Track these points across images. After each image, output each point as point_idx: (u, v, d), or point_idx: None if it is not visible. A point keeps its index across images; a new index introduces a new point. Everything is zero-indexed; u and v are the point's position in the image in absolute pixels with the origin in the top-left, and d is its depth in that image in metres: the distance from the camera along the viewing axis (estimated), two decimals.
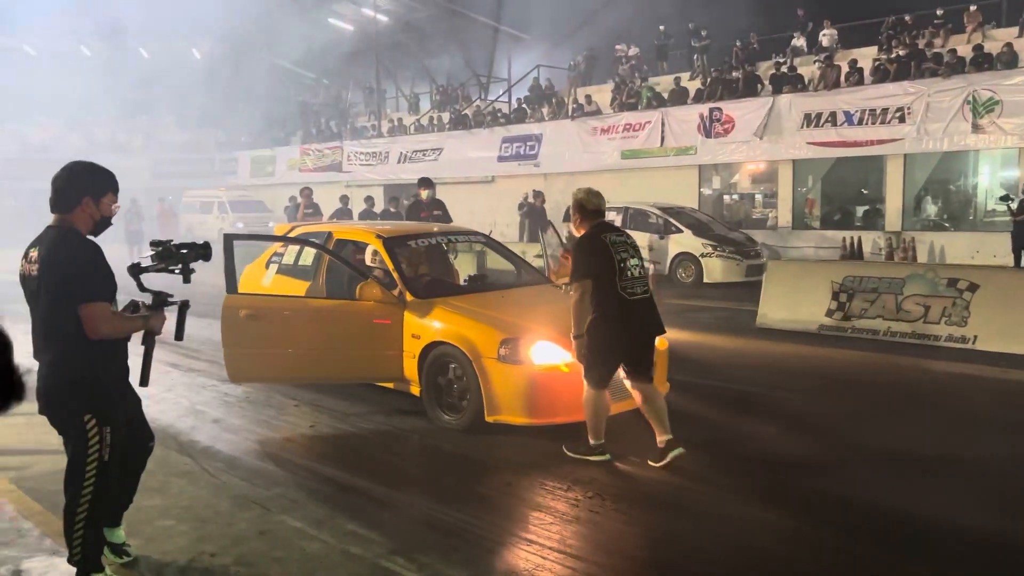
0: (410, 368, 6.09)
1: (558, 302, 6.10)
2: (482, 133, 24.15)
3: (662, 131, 19.47)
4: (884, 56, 17.48)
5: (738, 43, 21.26)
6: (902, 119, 15.84)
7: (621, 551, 3.97)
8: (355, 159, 27.87)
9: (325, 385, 6.98)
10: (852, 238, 16.08)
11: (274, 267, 7.87)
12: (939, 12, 18.36)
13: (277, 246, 7.98)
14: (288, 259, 7.82)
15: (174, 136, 35.47)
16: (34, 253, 3.32)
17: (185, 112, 36.03)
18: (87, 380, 3.33)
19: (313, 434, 5.96)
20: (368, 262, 6.97)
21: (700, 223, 15.71)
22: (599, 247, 4.96)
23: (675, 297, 12.72)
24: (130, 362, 3.57)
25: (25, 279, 3.35)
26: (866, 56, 18.18)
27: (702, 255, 14.55)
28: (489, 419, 5.58)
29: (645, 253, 13.74)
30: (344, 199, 17.05)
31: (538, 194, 19.80)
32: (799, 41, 20.46)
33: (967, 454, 5.33)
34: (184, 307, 3.64)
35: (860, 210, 17.97)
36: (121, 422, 3.50)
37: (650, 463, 5.01)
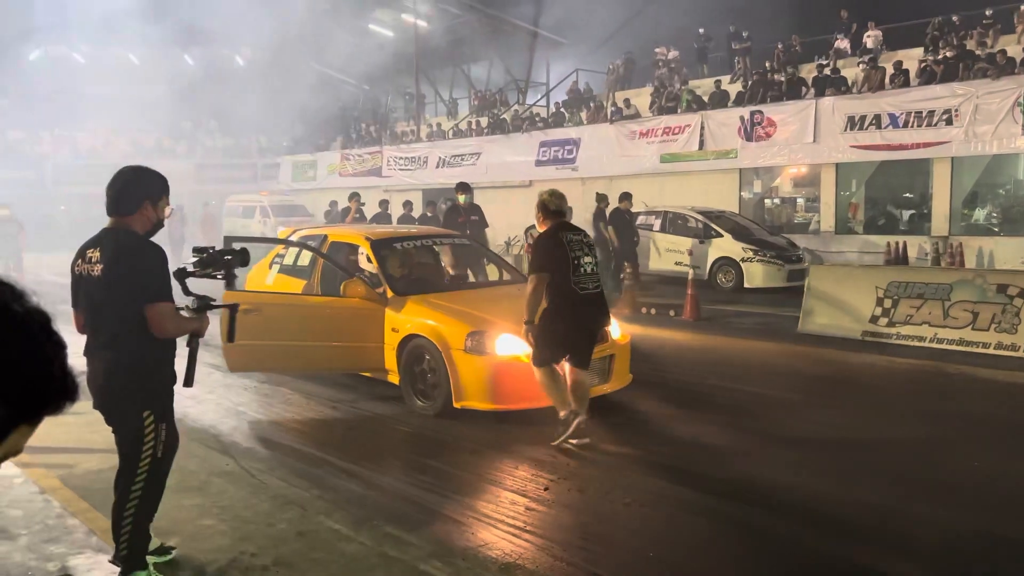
0: (390, 359, 6.64)
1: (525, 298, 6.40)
2: (520, 138, 24.16)
3: (701, 134, 19.28)
4: (931, 57, 17.11)
5: (780, 45, 21.00)
6: (949, 121, 15.47)
7: (597, 535, 3.95)
8: (394, 164, 28.07)
9: (320, 375, 7.57)
10: (897, 243, 15.73)
11: (276, 267, 8.56)
12: (988, 12, 17.92)
13: (279, 248, 8.61)
14: (288, 260, 8.53)
15: (217, 141, 36.12)
16: (93, 254, 3.41)
17: (228, 118, 36.70)
18: (148, 377, 3.45)
19: (351, 436, 6.01)
20: (363, 264, 7.49)
21: (740, 227, 15.51)
22: (556, 244, 5.40)
23: (715, 302, 12.59)
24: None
25: (82, 279, 3.43)
26: (912, 58, 17.81)
27: (743, 260, 14.36)
28: (457, 405, 6.08)
29: (684, 258, 13.81)
30: (383, 204, 17.20)
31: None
32: (842, 43, 20.12)
33: None
34: (234, 310, 3.80)
35: (905, 214, 17.60)
36: (173, 420, 3.60)
37: (570, 442, 5.46)
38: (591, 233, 14.14)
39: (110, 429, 3.61)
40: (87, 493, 4.70)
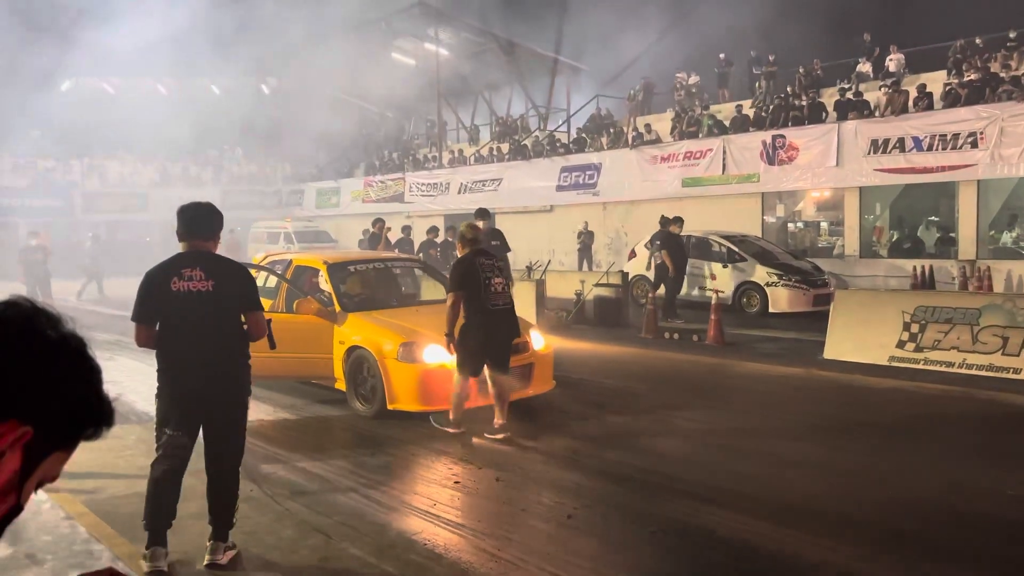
0: (337, 368, 7.47)
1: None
2: (541, 163, 24.27)
3: (724, 159, 19.27)
4: (955, 80, 17.01)
5: (801, 69, 20.99)
6: (974, 144, 15.33)
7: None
8: (417, 190, 28.29)
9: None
10: (923, 267, 15.55)
11: None
12: (1012, 34, 17.82)
13: (252, 272, 9.18)
14: (259, 282, 8.93)
15: (243, 168, 36.62)
16: (196, 272, 3.94)
17: (253, 145, 37.22)
18: (249, 372, 4.17)
19: (376, 463, 6.00)
20: (322, 284, 8.32)
21: (764, 252, 15.42)
22: (469, 268, 6.30)
23: (739, 327, 12.48)
24: None
25: (186, 295, 3.92)
26: (935, 81, 17.71)
27: (767, 284, 14.24)
28: (390, 407, 6.87)
29: (708, 283, 13.75)
30: (406, 229, 17.30)
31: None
32: (864, 67, 20.08)
33: None
34: (268, 323, 4.32)
35: (931, 238, 17.42)
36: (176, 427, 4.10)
37: (486, 436, 6.35)
38: (651, 251, 14.25)
39: (135, 453, 3.80)
40: (112, 519, 4.72)
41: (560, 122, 28.73)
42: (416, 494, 5.26)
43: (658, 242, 13.99)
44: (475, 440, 6.39)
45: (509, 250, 12.14)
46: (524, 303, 12.41)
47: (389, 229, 16.19)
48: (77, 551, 4.27)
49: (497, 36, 29.31)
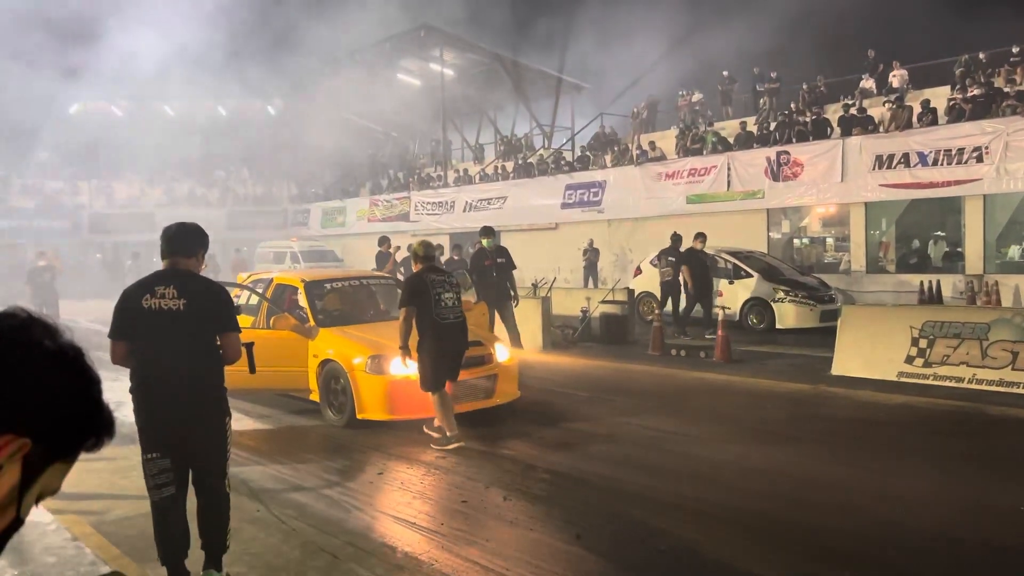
0: (312, 380, 7.84)
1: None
2: (546, 181, 24.34)
3: (728, 175, 19.29)
4: (959, 95, 17.03)
5: (804, 86, 21.06)
6: (980, 159, 15.32)
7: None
8: (422, 208, 28.37)
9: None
10: (930, 282, 15.49)
11: None
12: (1015, 49, 17.86)
13: (235, 291, 9.78)
14: (243, 300, 9.54)
15: (249, 189, 36.80)
16: (169, 290, 3.85)
17: (259, 166, 37.45)
18: (224, 391, 4.07)
19: (380, 482, 5.97)
20: (301, 301, 8.61)
21: (771, 267, 15.38)
22: (420, 284, 6.65)
23: (746, 343, 12.43)
24: None
25: (157, 313, 3.83)
26: (939, 96, 17.74)
27: (774, 300, 14.19)
28: (359, 416, 7.27)
29: (714, 299, 13.70)
30: (411, 248, 17.30)
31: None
32: (868, 83, 20.13)
33: None
34: (250, 347, 4.33)
35: (938, 253, 17.37)
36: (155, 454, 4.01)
37: (433, 447, 6.69)
38: (659, 268, 14.22)
39: (140, 474, 3.83)
40: (119, 539, 4.70)
41: (564, 140, 28.84)
42: (424, 514, 5.22)
43: (671, 258, 13.99)
44: (461, 449, 6.63)
45: (515, 267, 12.15)
46: (530, 321, 12.43)
47: (398, 248, 16.24)
48: (83, 573, 4.25)
49: (501, 56, 29.50)
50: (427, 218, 28.02)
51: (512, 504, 5.29)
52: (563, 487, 5.68)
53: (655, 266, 15.00)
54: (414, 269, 7.04)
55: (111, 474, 5.98)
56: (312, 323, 7.92)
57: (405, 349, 6.61)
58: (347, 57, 30.65)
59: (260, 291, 8.93)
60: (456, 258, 15.14)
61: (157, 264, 4.13)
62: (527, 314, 12.27)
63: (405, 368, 6.80)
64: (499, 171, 27.80)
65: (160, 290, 3.85)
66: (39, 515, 5.08)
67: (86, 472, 6.08)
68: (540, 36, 30.60)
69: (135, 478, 5.99)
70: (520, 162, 27.00)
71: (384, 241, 15.82)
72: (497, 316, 11.44)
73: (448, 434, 6.65)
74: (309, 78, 32.51)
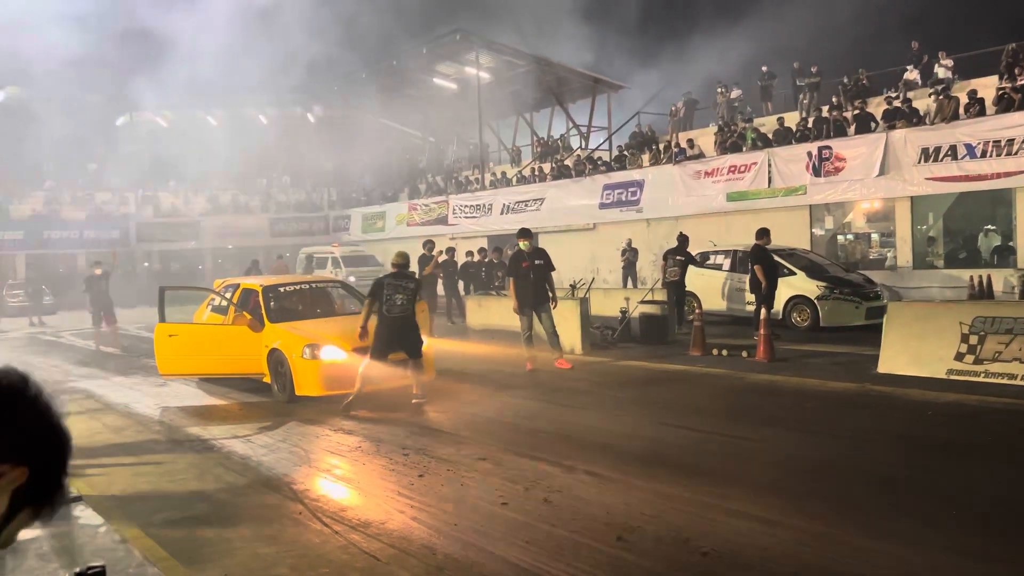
0: (264, 366, 9.63)
1: (357, 322, 8.98)
2: (583, 181, 24.27)
3: (769, 172, 19.02)
4: (1008, 85, 16.57)
5: (846, 79, 20.68)
6: None
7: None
8: (460, 212, 28.49)
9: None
10: (981, 276, 15.08)
11: (210, 308, 11.88)
12: None
13: (211, 295, 11.73)
14: (216, 302, 11.55)
15: (290, 196, 37.35)
16: None
17: (300, 173, 37.98)
18: None
19: (421, 484, 5.99)
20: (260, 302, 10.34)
21: (814, 265, 15.10)
22: (378, 285, 8.83)
23: (790, 342, 12.23)
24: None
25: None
26: (987, 86, 17.28)
27: (818, 298, 13.92)
28: (298, 393, 9.03)
29: (752, 296, 13.43)
30: (450, 251, 17.48)
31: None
32: (912, 74, 19.70)
33: None
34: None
35: (989, 247, 16.91)
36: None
37: (413, 401, 8.67)
38: (665, 268, 14.12)
39: (186, 478, 3.76)
40: (166, 542, 4.79)
41: (602, 140, 28.73)
42: (461, 516, 5.22)
43: (679, 257, 13.97)
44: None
45: (553, 269, 12.11)
46: (568, 322, 12.39)
47: (441, 252, 16.43)
48: (132, 574, 4.34)
49: (537, 57, 29.50)
50: (465, 221, 28.13)
51: (553, 506, 5.28)
52: (604, 488, 5.65)
53: (666, 262, 14.59)
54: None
55: (158, 477, 6.11)
56: (266, 320, 9.72)
57: (364, 329, 8.68)
58: (384, 64, 30.97)
59: (228, 295, 10.82)
60: (495, 260, 15.18)
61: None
62: (565, 315, 12.23)
63: (344, 354, 8.83)
64: (536, 173, 27.80)
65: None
66: (90, 518, 5.21)
67: (134, 476, 6.21)
68: (576, 36, 30.45)
69: (181, 481, 6.13)
70: (557, 163, 26.96)
71: (428, 244, 15.97)
72: (535, 317, 11.42)
73: (351, 398, 8.56)
74: (348, 85, 32.91)
